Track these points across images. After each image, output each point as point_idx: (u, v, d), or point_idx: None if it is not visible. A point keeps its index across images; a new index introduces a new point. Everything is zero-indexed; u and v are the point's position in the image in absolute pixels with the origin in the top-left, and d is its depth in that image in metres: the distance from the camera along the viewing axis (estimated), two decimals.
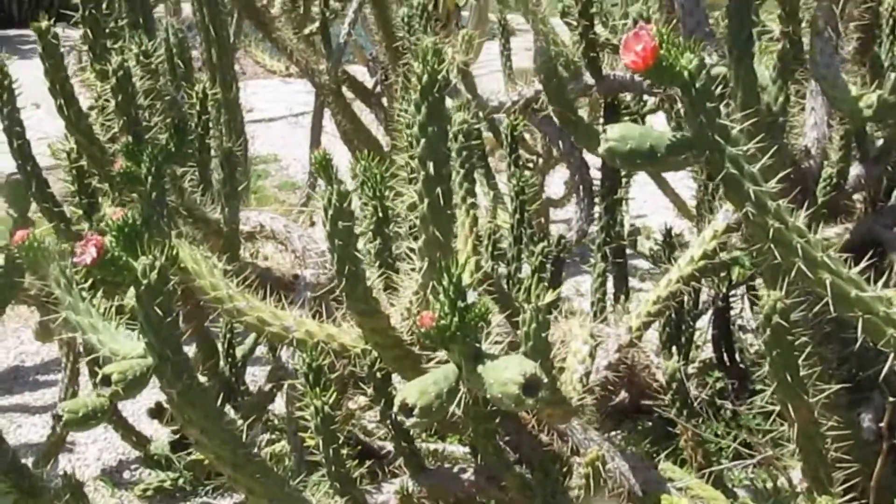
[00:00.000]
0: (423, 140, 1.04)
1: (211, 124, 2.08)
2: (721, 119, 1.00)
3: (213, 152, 2.06)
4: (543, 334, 1.07)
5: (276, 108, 6.51)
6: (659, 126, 2.30)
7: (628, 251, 2.51)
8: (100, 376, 1.13)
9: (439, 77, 1.02)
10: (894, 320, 1.08)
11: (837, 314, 1.06)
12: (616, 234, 2.20)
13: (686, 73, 0.98)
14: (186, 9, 3.44)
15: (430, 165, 1.06)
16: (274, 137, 5.93)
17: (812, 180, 1.90)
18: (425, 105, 1.02)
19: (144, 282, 1.09)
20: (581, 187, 2.18)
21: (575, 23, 1.94)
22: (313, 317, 1.80)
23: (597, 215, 2.20)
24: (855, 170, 1.90)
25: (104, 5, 1.67)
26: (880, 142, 1.89)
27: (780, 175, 1.87)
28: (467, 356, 0.98)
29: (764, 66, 1.69)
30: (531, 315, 1.06)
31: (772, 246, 1.04)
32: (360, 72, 4.58)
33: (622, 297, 2.27)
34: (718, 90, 1.56)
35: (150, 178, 1.52)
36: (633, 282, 3.26)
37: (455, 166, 1.61)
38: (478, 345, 0.99)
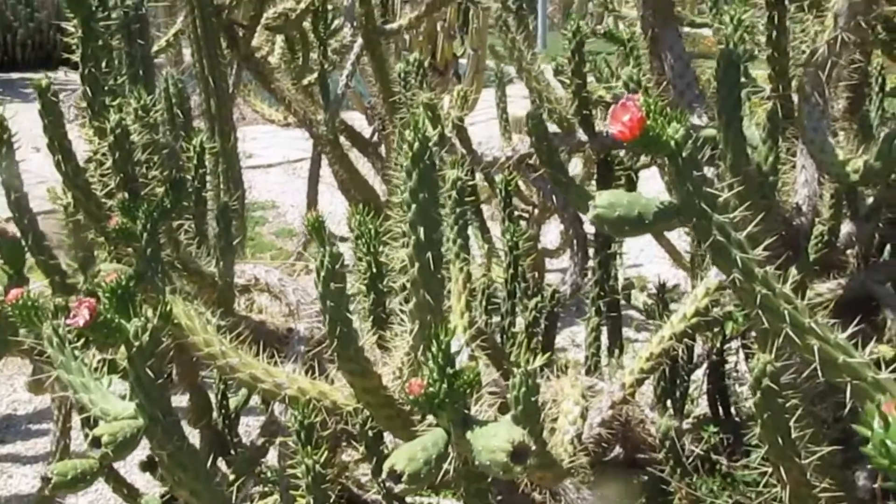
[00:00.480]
0: (413, 206, 1.06)
1: (208, 176, 2.10)
2: (708, 187, 1.01)
3: (210, 204, 2.08)
4: (533, 398, 1.07)
5: (275, 154, 6.56)
6: (653, 181, 2.33)
7: (623, 303, 2.51)
8: (90, 438, 1.13)
9: (430, 144, 1.04)
10: (883, 386, 1.08)
11: (826, 379, 1.06)
12: (610, 289, 2.21)
13: (673, 143, 0.99)
14: (188, 55, 3.47)
15: (421, 231, 1.07)
16: (272, 183, 5.96)
17: (803, 237, 1.91)
18: (416, 172, 1.04)
19: (136, 344, 1.09)
20: (575, 241, 2.19)
21: (568, 81, 1.97)
22: (307, 372, 1.80)
23: (591, 269, 2.21)
24: (846, 227, 1.91)
25: (104, 63, 1.69)
26: (870, 200, 1.90)
27: (771, 235, 1.89)
28: (456, 423, 0.98)
29: (754, 126, 1.71)
30: (520, 380, 1.07)
31: (759, 312, 1.05)
32: (358, 118, 4.63)
33: (616, 352, 2.27)
34: (709, 151, 1.58)
35: (145, 235, 1.53)
36: (629, 332, 3.26)
37: (449, 223, 1.63)
38: (466, 411, 0.99)
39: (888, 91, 2.66)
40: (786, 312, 1.04)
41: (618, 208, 1.02)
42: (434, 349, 0.98)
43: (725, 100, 1.42)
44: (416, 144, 1.03)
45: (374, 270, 1.72)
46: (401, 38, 5.54)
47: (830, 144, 1.37)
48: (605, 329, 2.29)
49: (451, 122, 2.22)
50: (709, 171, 1.58)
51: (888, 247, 2.18)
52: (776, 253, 1.99)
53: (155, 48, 3.18)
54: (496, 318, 2.13)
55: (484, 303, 2.10)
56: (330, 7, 3.57)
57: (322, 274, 1.18)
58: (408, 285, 1.16)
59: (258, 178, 5.94)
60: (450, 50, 5.71)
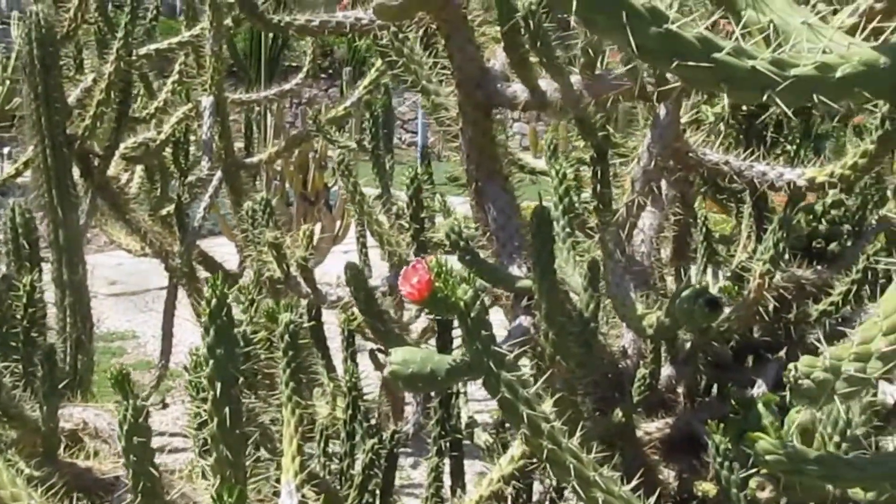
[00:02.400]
0: (211, 362, 1.07)
1: (54, 309, 2.06)
2: (496, 346, 1.06)
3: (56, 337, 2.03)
4: None
5: (140, 281, 6.42)
6: (496, 315, 2.39)
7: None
8: None
9: (228, 301, 1.06)
10: None
11: None
12: (451, 427, 2.23)
13: (462, 304, 1.04)
14: None
15: (218, 386, 1.07)
16: (133, 311, 5.82)
17: (628, 380, 2.00)
18: (213, 328, 1.05)
19: None
20: None
21: (407, 225, 2.03)
22: None
23: (432, 408, 2.23)
24: (666, 370, 2.00)
25: None
26: (688, 345, 2.00)
27: (599, 377, 1.95)
28: None
29: (578, 275, 1.80)
30: None
31: (547, 465, 1.09)
32: (226, 245, 4.60)
33: (458, 491, 2.27)
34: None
35: None
36: (484, 466, 3.27)
37: (281, 366, 1.65)
38: None
39: (718, 238, 2.84)
40: (571, 466, 1.08)
41: (411, 365, 1.06)
42: None
43: (539, 252, 1.50)
44: (213, 301, 1.05)
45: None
46: (271, 169, 5.61)
47: (631, 299, 1.45)
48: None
49: (295, 262, 2.24)
50: (526, 321, 1.65)
51: (715, 387, 2.29)
52: (604, 394, 2.07)
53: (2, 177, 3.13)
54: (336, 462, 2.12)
55: (323, 444, 2.09)
56: (192, 138, 3.62)
57: (125, 428, 1.17)
58: (209, 440, 1.16)
59: (119, 307, 5.80)
60: (321, 180, 5.80)
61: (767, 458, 0.88)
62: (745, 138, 2.41)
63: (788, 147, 2.59)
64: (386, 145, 3.17)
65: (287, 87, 3.59)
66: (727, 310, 2.09)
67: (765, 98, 0.66)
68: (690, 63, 0.63)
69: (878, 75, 0.68)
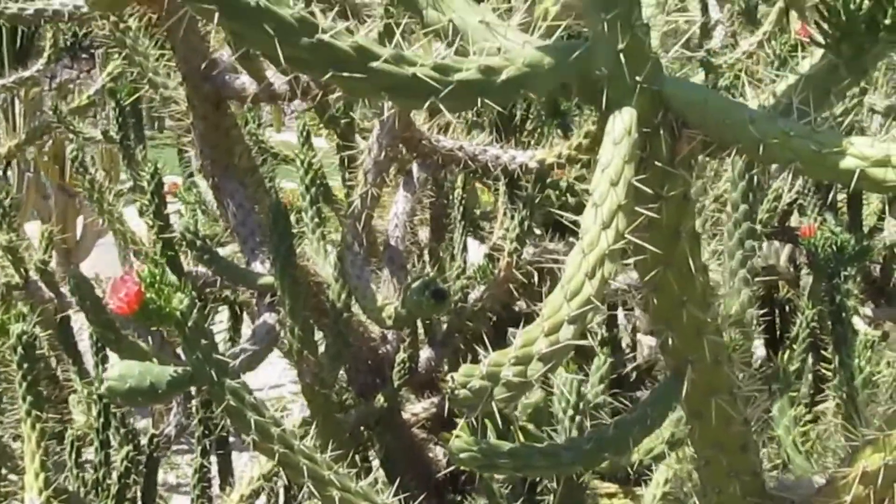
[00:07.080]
0: None
1: None
2: (217, 355, 1.03)
3: None
4: None
5: None
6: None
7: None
8: None
9: None
10: None
11: None
12: (215, 426, 2.17)
13: (178, 314, 1.00)
14: None
15: None
16: None
17: (388, 365, 2.02)
18: None
19: None
20: None
21: (151, 222, 1.95)
22: None
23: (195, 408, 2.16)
24: (425, 353, 2.04)
25: None
26: (444, 327, 2.05)
27: (359, 364, 1.95)
28: None
29: (328, 266, 1.79)
30: None
31: (281, 468, 1.08)
32: None
33: (228, 489, 2.22)
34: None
35: None
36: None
37: (17, 379, 1.56)
38: None
39: (479, 214, 2.91)
40: (304, 468, 1.08)
41: (129, 379, 1.01)
42: None
43: (278, 248, 1.47)
44: None
45: None
46: (23, 160, 5.23)
47: (371, 290, 1.46)
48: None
49: (34, 266, 2.10)
50: (271, 318, 1.62)
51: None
52: (366, 381, 2.08)
53: None
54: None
55: (74, 455, 1.98)
56: None
57: None
58: None
59: None
60: None
61: (462, 456, 0.91)
62: (496, 124, 2.47)
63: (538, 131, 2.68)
64: (137, 135, 3.02)
65: (26, 74, 3.34)
66: (481, 288, 2.16)
67: (427, 105, 0.66)
68: (346, 74, 0.61)
69: (543, 76, 0.71)
